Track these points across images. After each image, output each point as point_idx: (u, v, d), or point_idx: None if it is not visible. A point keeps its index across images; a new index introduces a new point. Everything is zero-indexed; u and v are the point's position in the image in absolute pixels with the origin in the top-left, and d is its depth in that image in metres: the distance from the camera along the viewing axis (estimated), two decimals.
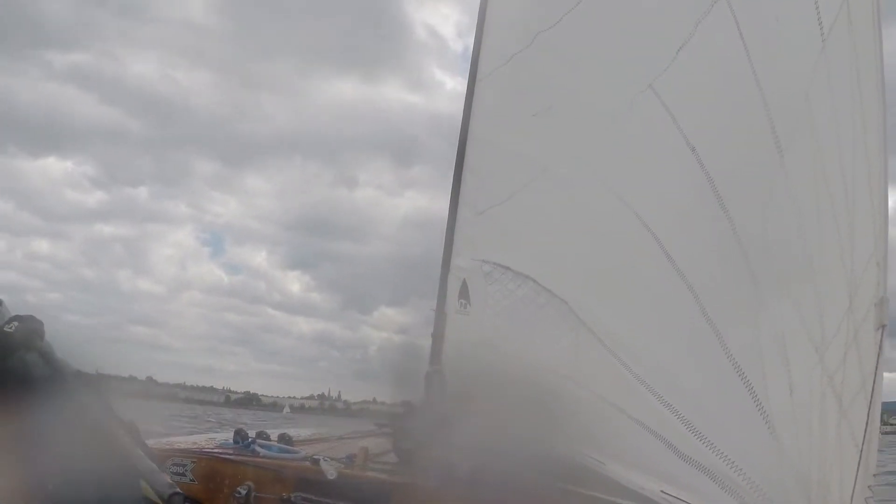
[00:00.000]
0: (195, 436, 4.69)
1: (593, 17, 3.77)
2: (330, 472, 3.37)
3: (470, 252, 4.17)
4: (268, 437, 3.95)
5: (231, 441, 3.81)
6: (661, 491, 2.97)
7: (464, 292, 4.14)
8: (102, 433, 2.45)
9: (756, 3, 3.18)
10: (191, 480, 3.47)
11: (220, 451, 3.69)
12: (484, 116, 4.32)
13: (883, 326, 2.65)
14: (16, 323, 2.40)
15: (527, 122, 4.01)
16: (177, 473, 3.43)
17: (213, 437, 4.21)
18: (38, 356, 2.39)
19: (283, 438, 4.02)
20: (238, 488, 3.37)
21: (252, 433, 3.90)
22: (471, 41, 4.53)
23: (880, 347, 2.63)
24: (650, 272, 3.26)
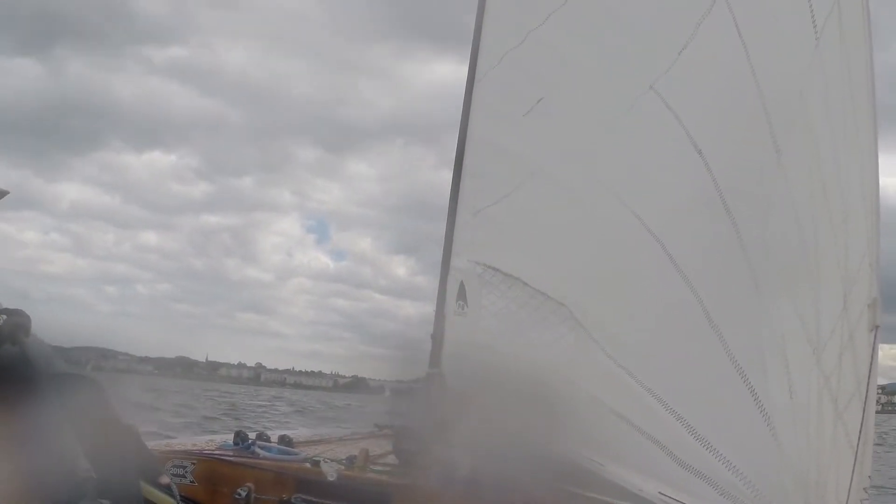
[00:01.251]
0: (194, 437, 4.70)
1: (583, 16, 3.75)
2: (330, 473, 3.37)
3: (467, 253, 4.17)
4: (268, 439, 3.96)
5: (231, 443, 3.82)
6: (659, 493, 2.98)
7: (461, 294, 4.15)
8: (103, 431, 2.46)
9: (753, 2, 3.18)
10: (191, 482, 3.48)
11: (221, 452, 3.70)
12: (481, 116, 4.32)
13: (876, 328, 2.66)
14: (4, 317, 2.41)
15: (521, 121, 4.00)
16: (177, 475, 3.43)
17: (212, 438, 4.21)
18: (19, 351, 2.40)
19: (284, 440, 4.02)
20: (238, 490, 3.37)
21: (252, 435, 3.91)
22: None
23: (874, 349, 2.64)
24: (651, 273, 3.26)
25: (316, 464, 3.50)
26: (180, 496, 2.74)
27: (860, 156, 2.81)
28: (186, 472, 3.51)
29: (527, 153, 3.90)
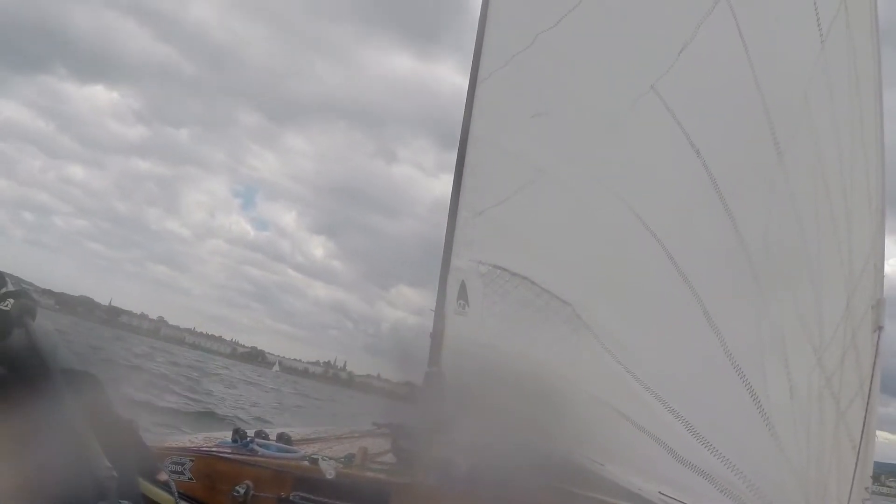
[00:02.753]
0: (193, 435, 4.69)
1: (594, 18, 3.77)
2: (329, 471, 3.37)
3: (468, 253, 4.18)
4: (266, 437, 3.95)
5: (229, 440, 3.81)
6: (659, 492, 2.98)
7: (462, 293, 4.15)
8: (101, 428, 2.45)
9: (756, 4, 3.18)
10: (189, 479, 3.47)
11: (219, 449, 3.69)
12: (484, 117, 4.32)
13: (880, 328, 2.66)
14: (10, 300, 2.37)
15: (527, 123, 4.01)
16: (175, 472, 3.42)
17: (210, 435, 4.20)
18: (27, 343, 2.36)
19: (282, 437, 4.02)
20: (236, 487, 3.37)
21: (251, 432, 3.90)
22: None
23: (877, 350, 2.64)
24: (651, 274, 3.27)
25: (314, 462, 3.49)
26: (178, 493, 2.73)
27: (866, 157, 2.81)
28: (184, 468, 3.50)
29: (532, 154, 3.92)
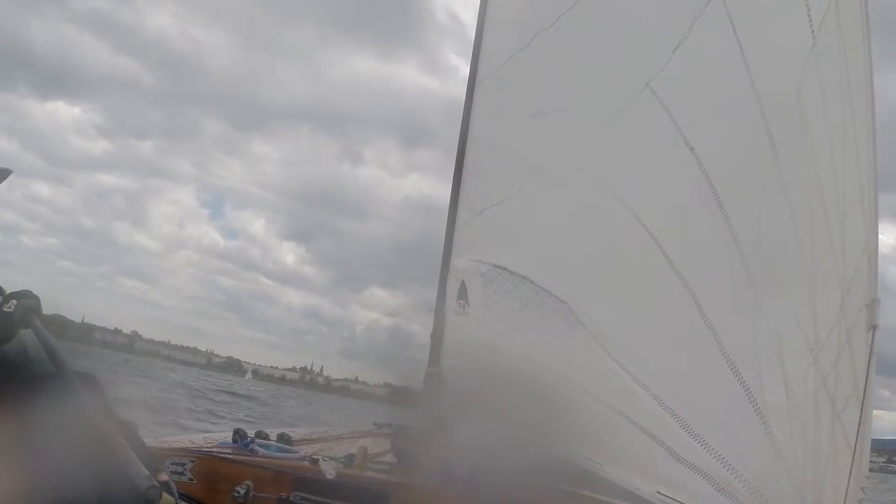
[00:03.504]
0: (193, 435, 4.70)
1: (591, 16, 3.77)
2: (329, 471, 3.37)
3: (468, 253, 4.18)
4: (267, 437, 3.96)
5: (230, 440, 3.82)
6: (657, 492, 2.98)
7: (462, 293, 4.15)
8: (98, 432, 2.44)
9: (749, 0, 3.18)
10: (189, 479, 3.47)
11: (219, 450, 3.70)
12: (483, 117, 4.33)
13: (874, 327, 2.65)
14: (14, 301, 2.34)
15: (525, 123, 4.01)
16: (175, 472, 3.43)
17: (210, 436, 4.21)
18: (34, 335, 2.33)
19: (282, 438, 4.03)
20: (237, 487, 3.37)
21: (251, 432, 3.91)
22: None
23: (871, 349, 2.63)
24: (648, 273, 3.27)
25: (315, 462, 3.50)
26: (179, 494, 2.73)
27: (858, 154, 2.79)
28: (185, 469, 3.51)
29: (531, 154, 3.92)
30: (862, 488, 2.55)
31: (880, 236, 2.79)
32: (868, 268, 2.70)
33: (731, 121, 3.14)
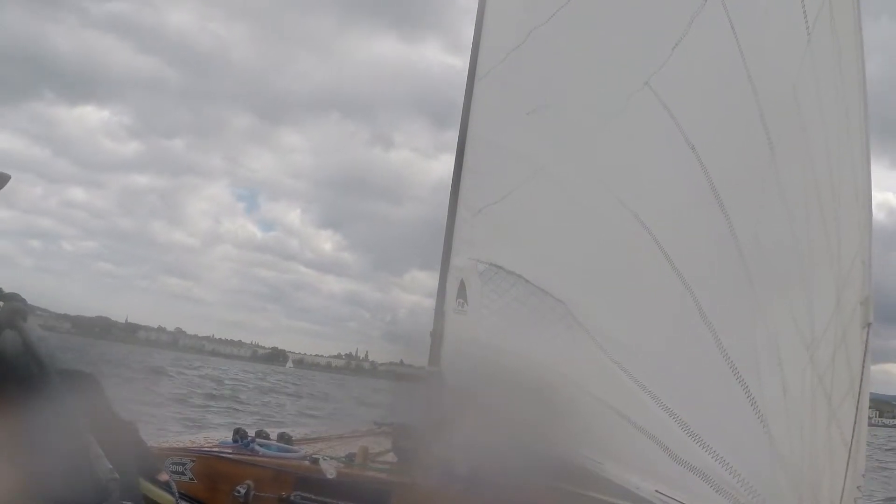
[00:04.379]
0: (193, 435, 4.71)
1: (587, 12, 3.75)
2: (329, 471, 3.38)
3: (468, 251, 4.18)
4: (267, 436, 3.97)
5: (230, 440, 3.82)
6: (656, 491, 2.98)
7: (461, 292, 4.15)
8: (100, 429, 2.44)
9: None
10: (190, 479, 3.48)
11: (220, 450, 3.70)
12: (482, 115, 4.32)
13: (868, 325, 2.65)
14: (1, 302, 2.35)
15: (524, 121, 4.00)
16: (176, 472, 3.44)
17: (211, 436, 4.22)
18: (21, 343, 2.34)
19: (283, 437, 4.03)
20: (237, 487, 3.38)
21: (252, 432, 3.92)
22: None
23: (866, 346, 2.63)
24: (648, 272, 3.26)
25: (315, 461, 3.51)
26: (179, 493, 2.74)
27: (852, 153, 2.78)
28: (185, 469, 3.52)
29: (529, 151, 3.91)
30: (858, 487, 2.55)
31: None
32: (862, 266, 2.69)
33: (730, 119, 3.13)
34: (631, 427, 3.12)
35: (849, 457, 2.56)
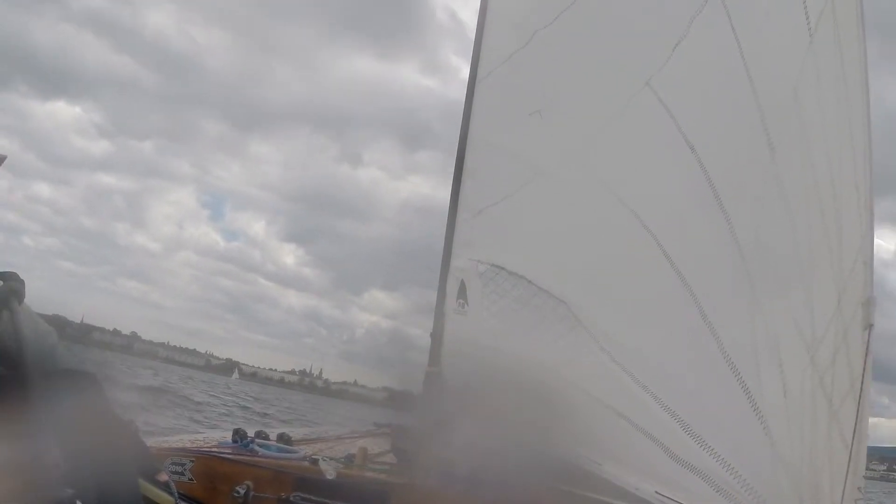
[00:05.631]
0: (193, 435, 4.70)
1: (590, 14, 3.76)
2: (329, 472, 3.38)
3: (468, 252, 4.18)
4: (266, 437, 3.96)
5: (230, 440, 3.82)
6: (656, 492, 2.98)
7: (462, 292, 4.15)
8: (101, 428, 2.43)
9: None
10: (189, 479, 3.48)
11: (219, 450, 3.70)
12: (483, 117, 4.32)
13: (870, 326, 2.65)
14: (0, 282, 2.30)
15: (525, 122, 4.00)
16: (175, 472, 3.43)
17: (210, 436, 4.21)
18: (9, 318, 2.29)
19: (282, 438, 4.03)
20: (237, 488, 3.37)
21: (251, 433, 3.91)
22: None
23: (867, 348, 2.63)
24: (648, 272, 3.26)
25: (314, 462, 3.50)
26: (179, 494, 2.74)
27: (854, 154, 2.79)
28: (185, 469, 3.51)
29: (530, 153, 3.91)
30: (858, 488, 2.55)
31: (880, 241, 2.79)
32: (864, 267, 2.69)
33: (730, 120, 3.14)
34: (631, 427, 3.12)
35: (849, 458, 2.56)
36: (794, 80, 2.91)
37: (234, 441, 3.78)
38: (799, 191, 2.87)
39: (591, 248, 3.58)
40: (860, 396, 2.59)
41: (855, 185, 2.76)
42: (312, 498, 3.36)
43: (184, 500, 2.83)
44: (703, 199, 3.08)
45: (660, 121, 3.27)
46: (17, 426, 2.11)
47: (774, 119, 2.94)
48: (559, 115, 3.84)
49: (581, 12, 3.78)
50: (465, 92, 4.44)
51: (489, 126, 4.25)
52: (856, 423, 2.57)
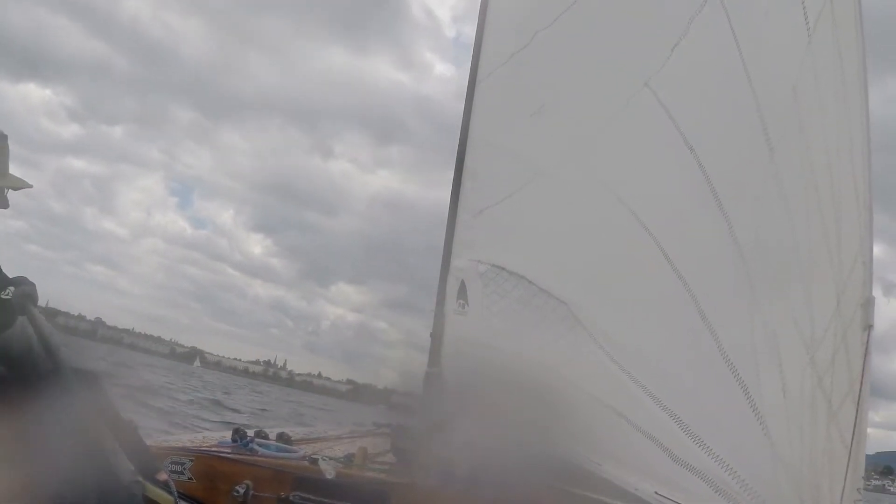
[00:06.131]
0: (193, 434, 4.71)
1: (590, 15, 3.77)
2: (328, 471, 3.38)
3: (468, 253, 4.19)
4: (266, 436, 3.97)
5: (229, 440, 3.82)
6: (655, 492, 2.98)
7: (462, 293, 4.16)
8: (103, 428, 2.43)
9: None
10: (189, 479, 3.48)
11: (218, 449, 3.70)
12: (483, 117, 4.33)
13: (869, 327, 2.64)
14: (11, 288, 2.33)
15: (525, 123, 4.01)
16: (175, 472, 3.44)
17: (210, 435, 4.22)
18: (30, 326, 2.32)
19: (282, 437, 4.03)
20: (236, 487, 3.38)
21: (251, 432, 3.92)
22: (465, 28, 4.54)
23: (867, 349, 2.63)
24: (648, 272, 3.26)
25: (314, 461, 3.51)
26: (178, 493, 2.74)
27: (853, 154, 2.79)
28: (184, 468, 3.51)
29: (531, 153, 3.92)
30: (858, 489, 2.54)
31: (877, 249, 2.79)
32: (863, 267, 2.69)
33: (729, 120, 3.14)
34: (630, 427, 3.12)
35: (848, 459, 2.55)
36: (792, 79, 2.91)
37: (234, 440, 3.79)
38: (798, 190, 2.87)
39: (590, 248, 3.59)
40: (859, 397, 2.59)
41: (854, 184, 2.76)
42: (312, 497, 3.36)
43: (183, 500, 2.83)
44: (702, 200, 3.08)
45: (659, 121, 3.28)
46: (23, 425, 2.12)
47: (773, 119, 2.94)
48: (559, 116, 3.85)
49: (581, 13, 3.79)
50: (466, 92, 4.46)
51: (489, 126, 4.26)
52: (855, 424, 2.57)
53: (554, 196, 3.77)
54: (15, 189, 2.70)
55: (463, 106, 4.43)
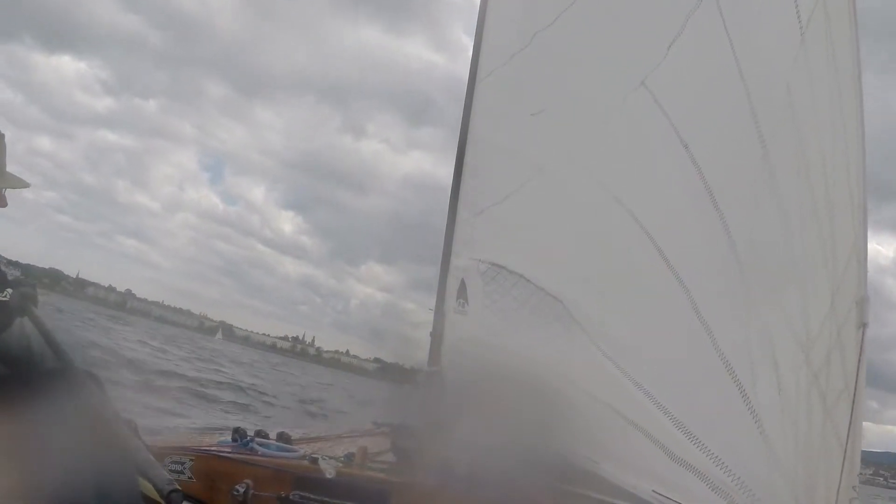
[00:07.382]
0: (193, 434, 4.71)
1: (589, 15, 3.77)
2: (328, 470, 3.38)
3: (468, 252, 4.19)
4: (266, 436, 3.97)
5: (229, 439, 3.83)
6: (653, 490, 2.99)
7: (462, 292, 4.16)
8: (103, 428, 2.43)
9: None
10: (189, 478, 3.48)
11: (219, 449, 3.71)
12: (483, 117, 4.33)
13: (864, 325, 2.65)
14: (10, 290, 2.33)
15: (525, 122, 4.02)
16: (175, 471, 3.44)
17: (211, 435, 4.22)
18: (31, 325, 2.32)
19: (282, 437, 4.03)
20: (236, 486, 3.38)
21: (251, 432, 3.92)
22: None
23: (861, 347, 2.63)
24: (644, 271, 3.27)
25: (314, 461, 3.51)
26: None
27: (847, 152, 2.79)
28: (184, 468, 3.52)
29: (531, 153, 3.92)
30: (853, 487, 2.55)
31: (879, 248, 2.78)
32: (857, 266, 2.69)
33: (723, 118, 3.15)
34: (628, 426, 3.13)
35: (844, 457, 2.56)
36: (786, 77, 2.92)
37: (234, 440, 3.79)
38: (792, 188, 2.87)
39: (588, 247, 3.59)
40: (854, 395, 2.59)
41: (848, 182, 2.76)
42: (312, 496, 3.36)
43: (184, 499, 2.83)
44: (697, 198, 3.08)
45: (654, 119, 3.29)
46: (23, 424, 2.12)
47: (766, 118, 2.95)
48: (558, 115, 3.85)
49: (579, 13, 3.79)
50: (466, 92, 4.46)
51: (490, 126, 4.26)
52: (850, 422, 2.57)
53: (553, 196, 3.78)
54: (13, 189, 2.69)
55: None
